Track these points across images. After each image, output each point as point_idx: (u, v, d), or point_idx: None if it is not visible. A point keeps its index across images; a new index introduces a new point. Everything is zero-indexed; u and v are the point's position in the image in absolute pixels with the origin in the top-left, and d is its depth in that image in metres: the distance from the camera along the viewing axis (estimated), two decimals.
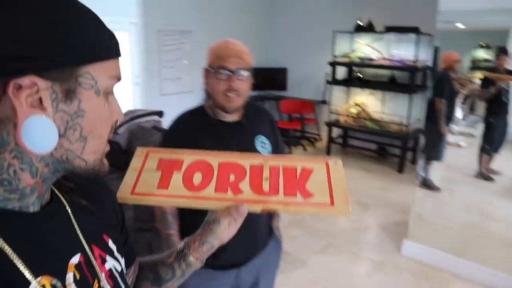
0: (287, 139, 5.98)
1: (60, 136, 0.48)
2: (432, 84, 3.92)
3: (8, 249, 0.46)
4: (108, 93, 0.53)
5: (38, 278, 0.48)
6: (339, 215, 0.74)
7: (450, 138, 5.88)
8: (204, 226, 0.76)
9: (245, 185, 0.77)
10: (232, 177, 0.78)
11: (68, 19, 0.47)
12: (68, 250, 0.55)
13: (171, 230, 1.40)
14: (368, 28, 5.34)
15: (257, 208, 0.74)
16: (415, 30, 4.78)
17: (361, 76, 5.80)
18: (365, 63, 5.46)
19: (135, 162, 0.80)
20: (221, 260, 1.39)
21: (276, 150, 1.51)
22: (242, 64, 1.32)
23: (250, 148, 1.40)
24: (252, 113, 1.47)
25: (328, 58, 5.72)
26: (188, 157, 0.81)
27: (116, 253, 0.65)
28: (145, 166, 0.79)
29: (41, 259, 0.49)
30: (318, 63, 6.13)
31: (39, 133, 0.46)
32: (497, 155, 4.19)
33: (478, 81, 5.55)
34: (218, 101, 1.36)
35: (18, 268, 0.46)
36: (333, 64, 5.63)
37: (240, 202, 0.73)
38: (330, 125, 5.80)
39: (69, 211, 0.58)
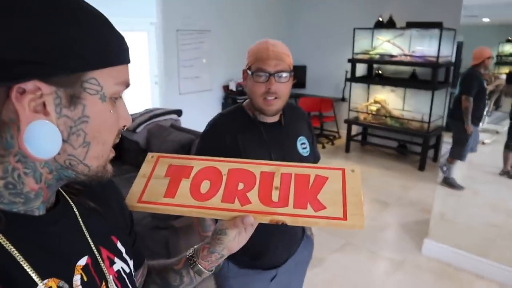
0: None
1: (63, 141, 0.48)
2: (460, 81, 3.79)
3: (15, 252, 0.46)
4: (115, 98, 0.52)
5: (45, 281, 0.48)
6: (350, 229, 0.70)
7: (481, 136, 5.73)
8: (213, 236, 0.75)
9: (253, 195, 0.74)
10: (240, 186, 0.75)
11: (75, 24, 0.46)
12: (75, 252, 0.55)
13: (208, 232, 1.38)
14: (389, 24, 5.24)
15: (264, 220, 0.71)
16: (438, 25, 4.66)
17: (381, 73, 5.71)
18: (386, 59, 5.36)
19: (144, 168, 0.79)
20: (263, 261, 1.41)
21: (313, 150, 1.48)
22: (282, 66, 1.27)
23: (291, 150, 1.38)
24: (290, 113, 1.43)
25: (348, 55, 5.65)
26: (198, 163, 0.80)
27: (124, 255, 0.65)
28: (154, 172, 0.78)
29: (47, 261, 0.50)
30: (338, 61, 6.06)
31: (42, 138, 0.45)
32: None
33: (504, 77, 5.39)
34: (257, 104, 1.32)
35: (25, 271, 0.46)
36: (353, 61, 5.55)
37: (247, 213, 0.71)
38: (349, 122, 5.73)
39: (77, 213, 0.58)
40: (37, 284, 0.47)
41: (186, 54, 5.10)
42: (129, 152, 3.48)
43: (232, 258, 1.31)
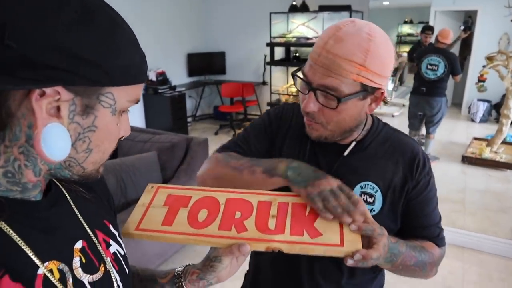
0: (230, 123, 5.99)
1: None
2: (445, 63, 4.06)
3: (15, 236, 0.47)
4: (122, 111, 0.54)
5: (46, 263, 0.49)
6: (346, 255, 0.70)
7: (383, 109, 6.24)
8: (205, 262, 0.74)
9: (250, 222, 0.74)
10: (238, 214, 0.76)
11: (109, 39, 0.47)
12: (73, 235, 0.56)
13: None
14: (303, 8, 5.46)
15: (260, 247, 0.71)
16: (347, 8, 4.97)
17: (298, 55, 5.94)
18: (302, 42, 5.59)
19: (144, 198, 0.80)
20: None
21: (393, 213, 0.93)
22: (329, 82, 0.78)
23: None
24: (376, 146, 0.94)
25: (265, 39, 5.78)
26: (197, 193, 0.81)
27: (118, 238, 0.66)
28: (153, 202, 0.79)
29: (47, 245, 0.50)
30: (256, 45, 6.17)
31: (56, 141, 0.47)
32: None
33: (405, 55, 5.91)
34: None
35: (26, 254, 0.47)
36: (271, 45, 5.70)
37: (243, 240, 0.70)
38: (271, 105, 5.90)
39: (69, 198, 0.59)
40: (38, 267, 0.48)
41: None
42: None
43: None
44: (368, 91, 0.81)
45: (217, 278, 0.74)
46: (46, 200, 0.54)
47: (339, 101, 0.79)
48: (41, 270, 0.48)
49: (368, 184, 0.91)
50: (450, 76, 4.10)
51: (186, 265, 0.78)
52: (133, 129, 3.12)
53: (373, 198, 0.91)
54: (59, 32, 0.43)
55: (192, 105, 6.50)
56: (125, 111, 0.55)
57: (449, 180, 4.06)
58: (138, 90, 0.54)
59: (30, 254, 0.47)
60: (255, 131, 1.05)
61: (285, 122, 1.02)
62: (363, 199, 0.89)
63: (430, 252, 0.93)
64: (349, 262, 0.69)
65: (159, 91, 5.30)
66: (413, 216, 0.93)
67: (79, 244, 0.56)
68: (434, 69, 4.06)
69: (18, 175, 0.49)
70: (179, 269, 0.77)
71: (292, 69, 5.96)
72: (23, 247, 0.47)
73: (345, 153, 0.92)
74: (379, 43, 0.78)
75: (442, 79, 4.07)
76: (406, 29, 7.60)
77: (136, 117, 5.42)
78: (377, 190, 0.91)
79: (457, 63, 4.05)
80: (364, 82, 0.78)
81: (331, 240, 0.71)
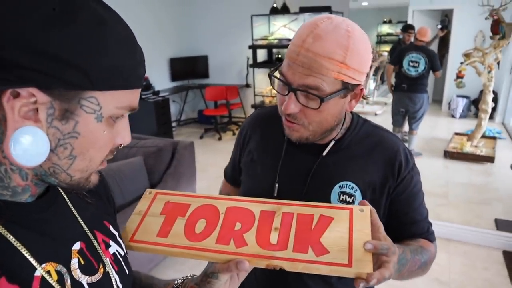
0: (215, 126, 5.99)
1: (50, 150, 0.46)
2: (426, 59, 4.18)
3: (11, 237, 0.46)
4: (116, 118, 0.50)
5: (43, 265, 0.48)
6: (355, 277, 0.63)
7: (366, 107, 6.33)
8: (203, 277, 0.69)
9: (250, 236, 0.68)
10: (238, 226, 0.70)
11: (92, 40, 0.43)
12: (70, 237, 0.55)
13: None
14: (284, 10, 5.50)
15: (260, 264, 0.65)
16: (327, 9, 5.03)
17: (280, 57, 5.98)
18: (284, 44, 5.63)
19: (141, 205, 0.75)
20: None
21: (398, 216, 0.92)
22: (311, 82, 0.76)
23: (320, 196, 0.88)
24: (356, 143, 0.92)
25: (248, 42, 5.80)
26: (197, 200, 0.76)
27: (118, 238, 0.66)
28: (149, 210, 0.74)
29: (44, 246, 0.50)
30: (239, 48, 6.19)
31: (29, 145, 0.43)
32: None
33: (386, 54, 6.02)
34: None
35: (23, 256, 0.46)
36: (253, 48, 5.72)
37: (242, 256, 0.65)
38: (256, 107, 5.91)
39: (67, 200, 0.58)
40: (35, 269, 0.47)
41: None
42: None
43: None
44: (349, 89, 0.80)
45: None
46: (42, 201, 0.52)
47: (322, 101, 0.76)
48: (39, 272, 0.47)
49: (347, 184, 0.89)
50: (431, 72, 4.20)
51: (186, 277, 0.75)
52: None
53: (352, 197, 0.88)
54: (32, 29, 0.40)
55: (176, 109, 6.48)
56: (119, 117, 0.51)
57: (432, 175, 4.15)
58: (130, 96, 0.50)
59: (27, 255, 0.47)
60: (234, 150, 1.10)
61: (253, 132, 1.02)
62: (342, 199, 0.88)
63: (428, 251, 0.92)
64: (361, 286, 0.62)
65: (143, 96, 5.26)
66: (400, 213, 0.92)
67: (77, 246, 0.55)
68: (416, 66, 4.17)
69: (7, 179, 0.47)
70: (178, 281, 0.75)
71: None
72: (19, 249, 0.46)
73: (324, 153, 0.90)
74: (357, 39, 0.76)
75: (423, 76, 4.18)
76: (385, 28, 7.74)
77: None
78: (356, 190, 0.88)
79: (436, 60, 4.17)
80: (345, 80, 0.77)
81: (338, 259, 0.64)
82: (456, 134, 5.24)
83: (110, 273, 0.58)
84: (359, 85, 0.82)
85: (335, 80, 0.76)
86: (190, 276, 0.75)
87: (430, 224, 0.99)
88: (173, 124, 6.03)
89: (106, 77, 0.45)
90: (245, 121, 1.07)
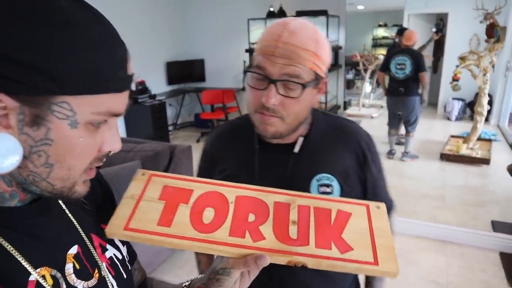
0: (212, 130, 5.98)
1: (24, 157, 0.44)
2: (411, 61, 4.18)
3: (4, 242, 0.45)
4: (98, 123, 0.47)
5: (38, 269, 0.47)
6: (381, 276, 0.63)
7: (362, 111, 6.35)
8: (210, 275, 0.63)
9: (267, 229, 0.62)
10: (251, 217, 0.63)
11: (59, 41, 0.40)
12: (65, 241, 0.54)
13: (201, 256, 1.15)
14: (280, 14, 5.53)
15: (281, 260, 0.59)
16: (324, 13, 5.07)
17: None
18: None
19: (133, 188, 0.66)
20: None
21: (356, 195, 0.95)
22: (293, 70, 0.82)
23: (301, 191, 0.86)
24: (324, 135, 0.97)
25: (244, 45, 5.81)
26: (199, 186, 0.67)
27: (116, 241, 0.64)
28: (145, 193, 0.65)
29: (38, 251, 0.49)
30: (235, 51, 6.21)
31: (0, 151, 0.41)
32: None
33: (382, 57, 6.04)
34: (252, 120, 0.91)
35: (17, 260, 0.46)
36: (250, 51, 5.73)
37: (261, 251, 0.59)
38: None
39: (62, 204, 0.57)
40: (30, 273, 0.46)
41: None
42: None
43: None
44: (318, 80, 0.87)
45: None
46: (35, 206, 0.51)
47: (304, 87, 0.83)
48: (33, 277, 0.46)
49: (323, 176, 0.93)
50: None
51: (192, 279, 0.71)
52: None
53: (330, 187, 0.93)
54: None
55: (172, 113, 6.47)
56: (102, 123, 0.47)
57: (429, 177, 4.16)
58: (111, 100, 0.46)
59: (21, 260, 0.46)
60: (201, 174, 1.06)
61: (221, 151, 1.03)
62: (322, 191, 0.92)
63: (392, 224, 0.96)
64: None
65: (139, 100, 5.26)
66: (369, 194, 0.98)
67: (73, 250, 0.54)
68: (403, 68, 4.24)
69: None
70: (186, 283, 0.71)
71: None
72: (13, 254, 0.46)
73: (296, 150, 0.94)
74: (322, 35, 0.86)
75: (411, 78, 4.22)
76: (381, 32, 7.77)
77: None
78: (333, 180, 0.93)
79: (421, 61, 4.21)
80: (316, 71, 0.84)
81: (364, 257, 0.61)
82: (452, 136, 5.27)
83: (106, 278, 0.57)
84: (323, 78, 0.89)
85: (310, 70, 0.84)
86: (197, 277, 0.71)
87: (392, 201, 1.10)
88: (170, 128, 6.02)
89: (78, 81, 0.42)
90: (207, 145, 1.07)
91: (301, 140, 0.94)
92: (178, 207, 0.63)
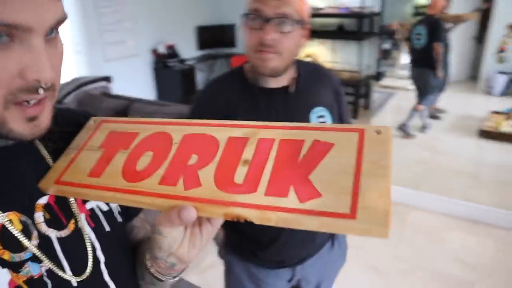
0: None
1: None
2: (427, 30, 3.92)
3: None
4: (4, 42, 0.39)
5: (6, 213, 0.46)
6: (362, 235, 0.41)
7: (397, 82, 6.08)
8: (151, 236, 0.56)
9: (208, 173, 0.50)
10: (193, 159, 0.52)
11: None
12: (38, 190, 0.53)
13: None
14: None
15: (216, 213, 0.47)
16: None
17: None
18: (313, 12, 5.42)
19: (80, 137, 0.59)
20: (272, 256, 1.18)
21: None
22: (285, 9, 0.95)
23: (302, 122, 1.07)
24: (309, 77, 1.13)
25: None
26: (149, 128, 0.58)
27: None
28: (88, 142, 0.58)
29: (6, 195, 0.48)
30: None
31: None
32: (442, 95, 4.41)
33: None
34: (251, 60, 1.03)
35: None
36: None
37: (190, 202, 0.47)
38: None
39: (44, 151, 0.55)
40: None
41: (107, 18, 4.72)
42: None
43: (234, 250, 1.24)
44: (304, 24, 1.01)
45: (175, 257, 0.52)
46: (6, 149, 0.49)
47: (297, 22, 0.97)
48: (0, 219, 0.45)
49: (318, 109, 1.11)
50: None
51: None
52: (141, 101, 3.08)
53: (324, 117, 1.11)
54: None
55: (202, 78, 6.44)
56: (11, 42, 0.39)
57: (463, 154, 3.97)
58: (3, 6, 0.36)
59: None
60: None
61: (216, 102, 1.10)
62: (319, 121, 1.09)
63: None
64: None
65: (169, 64, 5.24)
66: (344, 122, 1.21)
67: (43, 200, 0.52)
68: (419, 38, 4.01)
69: None
70: (146, 261, 0.61)
71: None
72: None
73: (292, 90, 1.09)
74: None
75: (427, 48, 3.95)
76: (422, 0, 7.31)
77: (148, 90, 5.40)
78: (326, 111, 1.12)
79: (437, 30, 3.90)
80: (302, 14, 0.99)
81: (335, 206, 0.42)
82: (494, 112, 4.97)
83: (83, 229, 0.54)
84: (307, 24, 1.03)
85: (296, 12, 0.97)
86: None
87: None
88: None
89: None
90: (201, 98, 1.15)
91: (295, 81, 1.09)
92: (116, 155, 0.55)
